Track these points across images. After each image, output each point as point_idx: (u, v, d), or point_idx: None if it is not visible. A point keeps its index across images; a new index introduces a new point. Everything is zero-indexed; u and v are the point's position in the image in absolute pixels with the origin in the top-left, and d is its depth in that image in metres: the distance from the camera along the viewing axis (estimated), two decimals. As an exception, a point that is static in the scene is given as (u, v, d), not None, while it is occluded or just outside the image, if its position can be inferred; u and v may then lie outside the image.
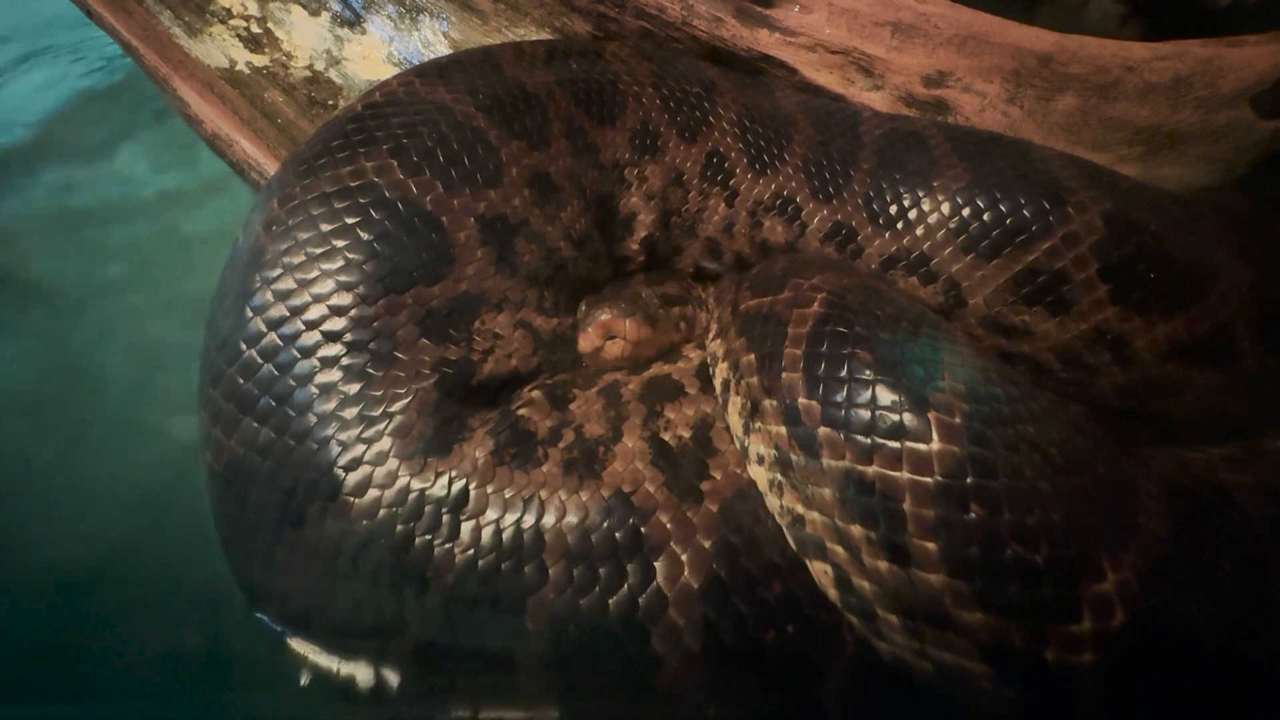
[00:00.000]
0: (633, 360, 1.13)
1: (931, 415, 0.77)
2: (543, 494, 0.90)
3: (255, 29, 1.75)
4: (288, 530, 0.91)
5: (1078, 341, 1.08)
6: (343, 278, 0.97)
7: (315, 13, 1.75)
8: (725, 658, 0.85)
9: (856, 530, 0.79)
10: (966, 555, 0.73)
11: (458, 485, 0.90)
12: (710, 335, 1.14)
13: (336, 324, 0.95)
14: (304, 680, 0.95)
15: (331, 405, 0.92)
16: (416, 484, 0.89)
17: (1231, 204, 1.27)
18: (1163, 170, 1.40)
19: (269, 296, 0.96)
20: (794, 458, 0.86)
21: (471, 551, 0.87)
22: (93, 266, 1.80)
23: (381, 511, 0.88)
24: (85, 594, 1.18)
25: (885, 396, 0.80)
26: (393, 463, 0.90)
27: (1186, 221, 1.10)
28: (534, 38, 1.59)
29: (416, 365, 0.96)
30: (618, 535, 0.88)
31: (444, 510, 0.88)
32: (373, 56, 1.72)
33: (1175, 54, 1.38)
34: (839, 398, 0.83)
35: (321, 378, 0.93)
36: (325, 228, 1.00)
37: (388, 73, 1.65)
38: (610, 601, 0.85)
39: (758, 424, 0.92)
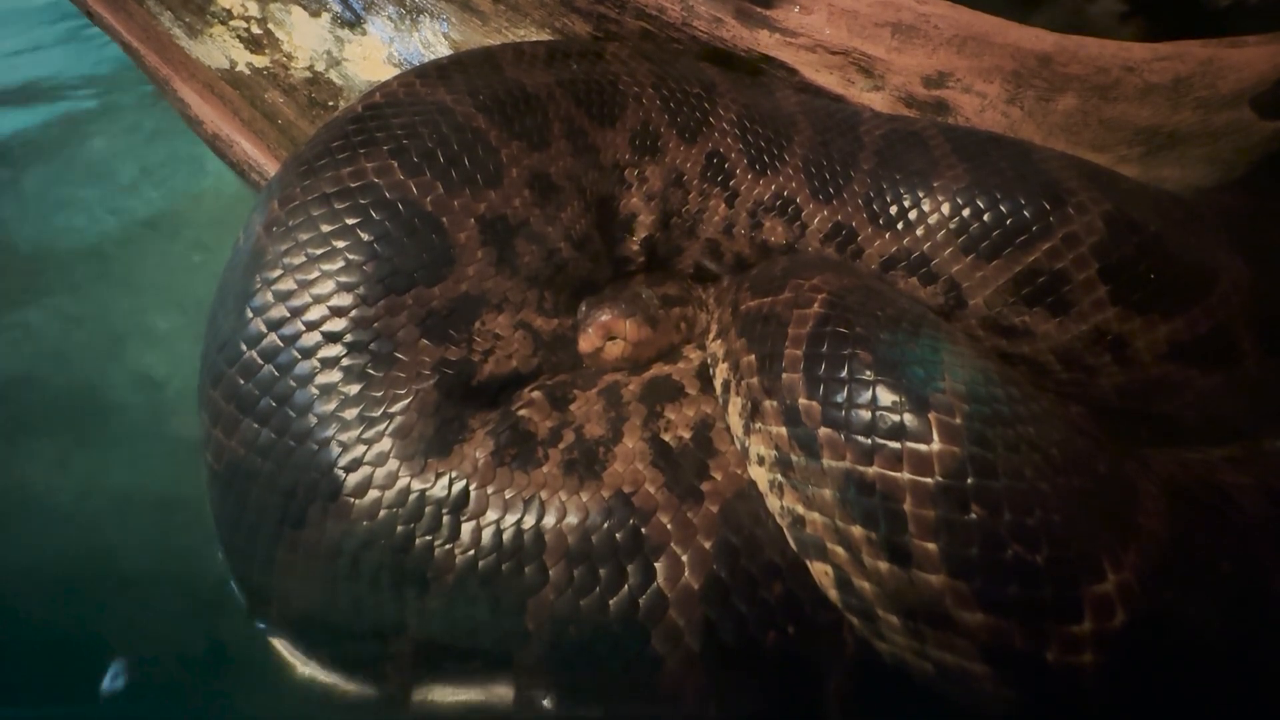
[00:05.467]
0: (633, 361, 1.13)
1: (932, 416, 0.77)
2: (543, 495, 0.90)
3: (255, 30, 1.75)
4: (288, 531, 0.91)
5: (1078, 342, 1.08)
6: (343, 278, 0.97)
7: (316, 14, 1.75)
8: (726, 658, 0.85)
9: (857, 531, 0.79)
10: (967, 556, 0.73)
11: (458, 486, 0.90)
12: (710, 336, 1.14)
13: (337, 325, 0.95)
14: (304, 680, 0.95)
15: (332, 406, 0.92)
16: (417, 485, 0.89)
17: (1232, 204, 1.27)
18: (1163, 171, 1.40)
19: (269, 297, 0.96)
20: (794, 458, 0.86)
21: (472, 552, 0.87)
22: (92, 264, 1.80)
23: (382, 512, 0.88)
24: (85, 594, 1.18)
25: (886, 397, 0.80)
26: (393, 463, 0.90)
27: (1187, 222, 1.10)
28: (534, 38, 1.59)
29: (417, 366, 0.96)
30: (618, 536, 0.88)
31: (444, 511, 0.88)
32: (373, 57, 1.72)
33: (1175, 54, 1.38)
34: (839, 398, 0.83)
35: (322, 378, 0.93)
36: (326, 228, 1.00)
37: (388, 74, 1.65)
38: (611, 602, 0.85)
39: (758, 425, 0.92)
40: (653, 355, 1.16)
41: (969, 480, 0.74)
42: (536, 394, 1.03)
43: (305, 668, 0.97)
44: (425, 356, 0.97)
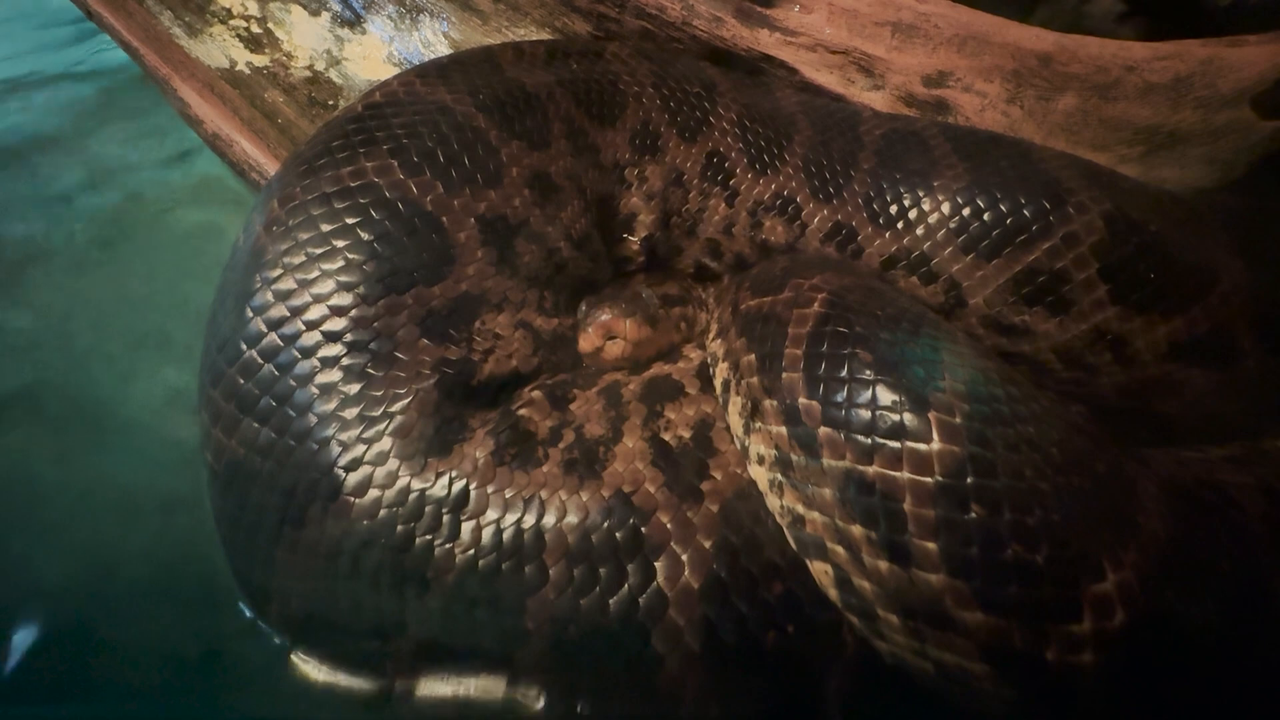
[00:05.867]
0: (633, 360, 1.13)
1: (932, 415, 0.77)
2: (543, 494, 0.90)
3: (255, 29, 1.75)
4: (288, 530, 0.91)
5: (1078, 341, 1.08)
6: (343, 278, 0.97)
7: (315, 13, 1.75)
8: (726, 658, 0.85)
9: (857, 530, 0.79)
10: (967, 555, 0.73)
11: (458, 485, 0.90)
12: (710, 335, 1.14)
13: (337, 324, 0.95)
14: (305, 680, 0.95)
15: (332, 405, 0.92)
16: (417, 484, 0.89)
17: (1232, 204, 1.27)
18: (1163, 170, 1.40)
19: (269, 297, 0.96)
20: (794, 458, 0.86)
21: (472, 552, 0.87)
22: (89, 261, 1.80)
23: (382, 512, 0.88)
24: (85, 594, 1.18)
25: (886, 396, 0.80)
26: (393, 463, 0.90)
27: (1187, 222, 1.10)
28: (534, 38, 1.59)
29: (417, 365, 0.96)
30: (618, 535, 0.88)
31: (444, 510, 0.88)
32: (373, 57, 1.72)
33: (1175, 54, 1.38)
34: (839, 398, 0.83)
35: (322, 378, 0.93)
36: (326, 228, 1.00)
37: (388, 73, 1.65)
38: (611, 602, 0.85)
39: (758, 424, 0.92)
40: (653, 355, 1.16)
41: (969, 480, 0.74)
42: (536, 393, 1.03)
43: (305, 663, 0.97)
44: (425, 356, 0.97)
